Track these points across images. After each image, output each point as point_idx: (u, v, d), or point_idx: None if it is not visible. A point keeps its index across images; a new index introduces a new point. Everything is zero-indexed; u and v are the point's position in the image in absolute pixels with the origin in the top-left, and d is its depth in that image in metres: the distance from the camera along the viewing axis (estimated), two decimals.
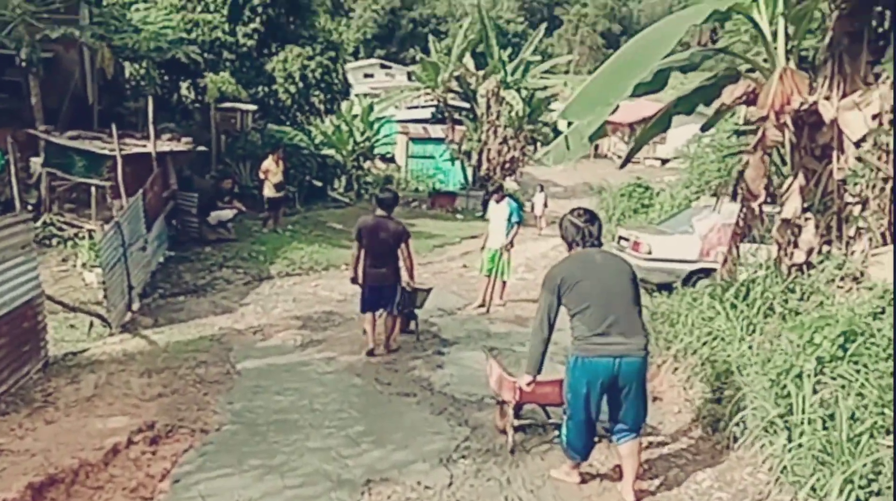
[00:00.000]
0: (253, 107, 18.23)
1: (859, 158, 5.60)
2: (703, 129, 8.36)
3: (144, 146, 12.85)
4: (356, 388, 6.71)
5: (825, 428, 3.96)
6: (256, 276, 11.98)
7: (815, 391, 4.23)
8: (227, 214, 13.95)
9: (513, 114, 25.33)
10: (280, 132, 18.22)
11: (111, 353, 7.96)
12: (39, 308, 7.29)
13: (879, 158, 5.50)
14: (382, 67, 58.10)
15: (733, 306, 6.23)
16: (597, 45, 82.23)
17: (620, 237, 11.83)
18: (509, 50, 28.41)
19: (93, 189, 12.30)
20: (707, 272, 10.47)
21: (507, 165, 25.44)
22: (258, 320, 9.57)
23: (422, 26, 77.36)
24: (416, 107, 33.69)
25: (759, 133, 5.83)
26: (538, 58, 27.90)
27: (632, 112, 46.02)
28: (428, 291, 9.05)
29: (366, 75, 54.68)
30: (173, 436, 5.39)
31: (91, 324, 8.86)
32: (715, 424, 5.40)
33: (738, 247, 6.91)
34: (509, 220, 10.12)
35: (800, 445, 4.13)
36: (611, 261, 4.37)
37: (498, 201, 10.26)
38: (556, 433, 5.35)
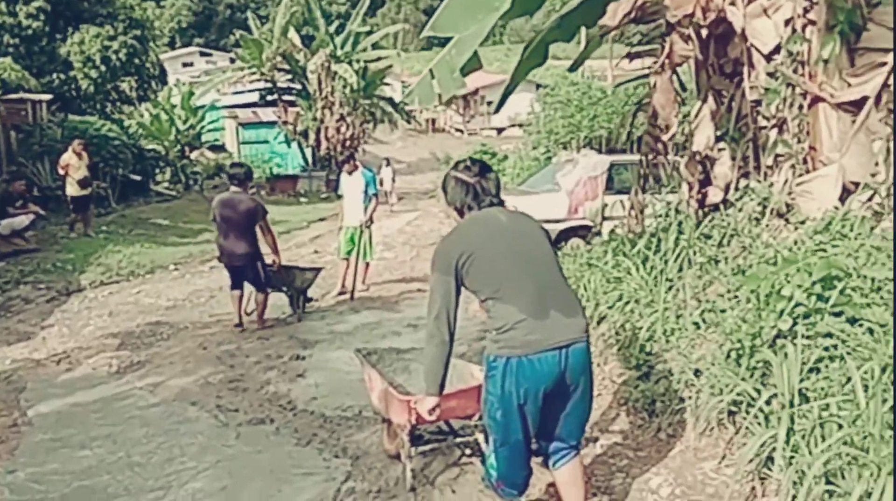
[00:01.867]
0: (47, 96, 15.39)
1: (771, 74, 4.65)
2: (572, 68, 7.27)
3: None
4: (190, 423, 5.02)
5: (840, 408, 2.88)
6: (63, 290, 9.73)
7: (804, 361, 3.15)
8: (22, 221, 11.43)
9: (346, 89, 23.72)
10: (84, 123, 15.53)
11: None
12: None
13: (795, 71, 4.57)
14: (202, 54, 54.06)
15: (644, 262, 5.16)
16: (421, 22, 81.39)
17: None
18: (336, 23, 26.66)
19: None
20: (578, 230, 9.60)
21: (348, 143, 23.80)
22: (63, 344, 7.52)
23: (240, 11, 72.89)
24: (242, 91, 31.19)
25: (666, 49, 4.72)
26: (367, 28, 26.33)
27: (471, 81, 46.04)
28: (316, 271, 8.04)
29: (185, 64, 50.62)
30: None
31: None
32: (650, 406, 4.28)
33: (641, 193, 5.84)
34: (366, 192, 8.68)
35: (792, 430, 3.06)
36: (520, 219, 3.06)
37: (350, 173, 8.78)
38: (463, 450, 4.04)
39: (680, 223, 5.09)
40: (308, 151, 25.53)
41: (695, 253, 4.89)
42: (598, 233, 9.01)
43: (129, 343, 7.31)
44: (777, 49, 4.63)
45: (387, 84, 29.15)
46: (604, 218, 9.59)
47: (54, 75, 16.21)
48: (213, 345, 6.90)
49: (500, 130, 41.05)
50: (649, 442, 4.07)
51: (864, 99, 4.49)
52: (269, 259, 7.56)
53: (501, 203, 3.04)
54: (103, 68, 16.71)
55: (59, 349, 7.34)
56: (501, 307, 2.84)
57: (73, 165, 12.03)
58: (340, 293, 8.88)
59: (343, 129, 24.12)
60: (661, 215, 5.68)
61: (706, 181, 5.10)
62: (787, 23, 4.60)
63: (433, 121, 45.43)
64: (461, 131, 43.03)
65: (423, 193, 23.20)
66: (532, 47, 5.42)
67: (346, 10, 76.14)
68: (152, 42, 19.92)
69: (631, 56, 5.96)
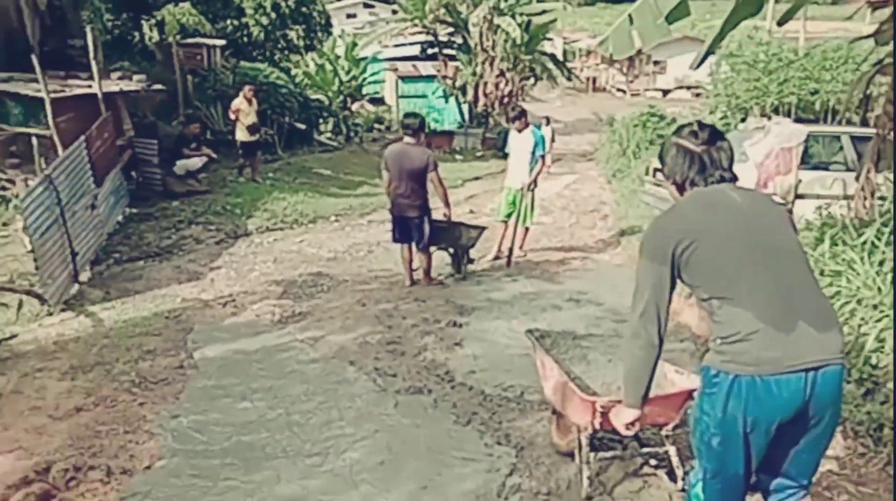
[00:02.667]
0: (221, 42, 15.99)
1: None
2: (780, 23, 6.36)
3: (90, 87, 10.80)
4: (349, 384, 4.90)
5: None
6: (231, 233, 10.10)
7: None
8: (196, 162, 11.97)
9: (508, 43, 23.03)
10: (254, 70, 16.03)
11: (40, 340, 6.16)
12: None
13: None
14: (366, 6, 54.80)
15: (870, 255, 4.40)
16: None
17: (656, 170, 9.94)
18: None
19: (33, 139, 10.33)
20: None
21: (506, 100, 23.22)
22: (230, 287, 7.76)
23: None
24: (403, 44, 31.25)
25: None
26: None
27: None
28: (480, 230, 7.81)
29: (348, 15, 51.56)
30: (77, 486, 3.59)
31: (20, 303, 7.03)
32: (875, 432, 3.62)
33: (874, 172, 4.99)
34: (533, 153, 8.22)
35: None
36: (758, 200, 2.51)
37: (520, 130, 8.30)
38: (647, 460, 3.59)
39: None
40: (465, 108, 25.21)
41: None
42: (790, 212, 8.06)
43: (291, 292, 7.40)
44: None
45: (549, 39, 28.15)
46: (797, 196, 8.60)
47: (228, 21, 16.79)
48: (372, 303, 6.81)
49: (665, 92, 38.92)
50: (875, 477, 3.44)
51: None
52: (437, 214, 7.36)
53: (734, 178, 2.51)
54: (273, 15, 17.14)
55: (226, 291, 7.57)
56: (731, 311, 2.34)
57: (244, 110, 12.39)
58: (496, 258, 8.58)
59: (502, 85, 23.50)
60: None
61: None
62: None
63: (594, 80, 43.73)
64: (623, 91, 41.19)
65: (581, 155, 22.33)
66: None
67: None
68: None
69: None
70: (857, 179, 5.03)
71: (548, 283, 7.68)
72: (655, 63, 40.48)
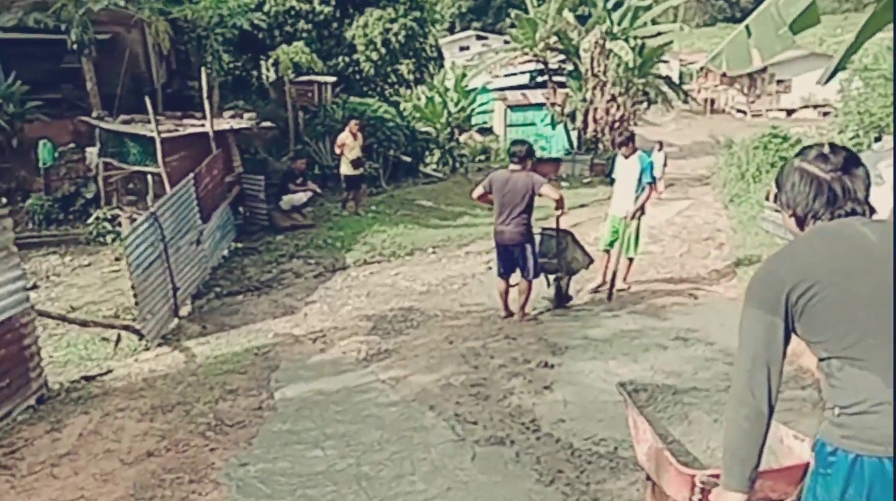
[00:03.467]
0: (331, 79, 16.38)
1: None
2: None
3: (202, 126, 11.18)
4: (426, 432, 4.55)
5: None
6: (330, 266, 10.07)
7: None
8: (301, 197, 12.14)
9: (620, 67, 22.37)
10: (363, 105, 16.27)
11: (132, 377, 6.22)
12: (26, 328, 5.57)
13: None
14: (478, 38, 55.35)
15: None
16: None
17: (777, 196, 9.09)
18: (613, 1, 25.30)
19: (149, 178, 10.77)
20: None
21: (616, 125, 22.50)
22: (322, 322, 7.65)
23: None
24: (513, 73, 31.19)
25: None
26: (647, 2, 24.64)
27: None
28: (590, 259, 7.65)
29: (461, 48, 52.23)
30: None
31: (118, 338, 7.18)
32: None
33: None
34: (640, 180, 7.66)
35: None
36: None
37: (627, 156, 7.76)
38: None
39: None
40: (574, 134, 24.69)
41: None
42: None
43: (380, 328, 7.18)
44: None
45: (664, 62, 27.23)
46: None
47: (339, 58, 17.21)
48: (460, 340, 6.46)
49: (789, 112, 36.71)
50: None
51: None
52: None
53: (870, 212, 1.99)
54: (383, 51, 17.40)
55: (318, 326, 7.45)
56: (856, 375, 1.82)
57: (349, 144, 12.49)
58: (596, 289, 8.04)
59: (613, 110, 22.85)
60: None
61: None
62: None
63: (712, 101, 41.94)
64: (744, 112, 39.21)
65: (696, 179, 21.21)
66: (885, 3, 4.04)
67: None
68: (431, 25, 20.36)
69: None
70: None
71: (652, 319, 7.05)
72: (779, 82, 38.34)
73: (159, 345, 7.26)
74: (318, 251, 10.61)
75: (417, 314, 7.57)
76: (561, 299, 7.48)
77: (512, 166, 6.71)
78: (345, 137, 12.58)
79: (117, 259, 9.99)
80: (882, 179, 8.00)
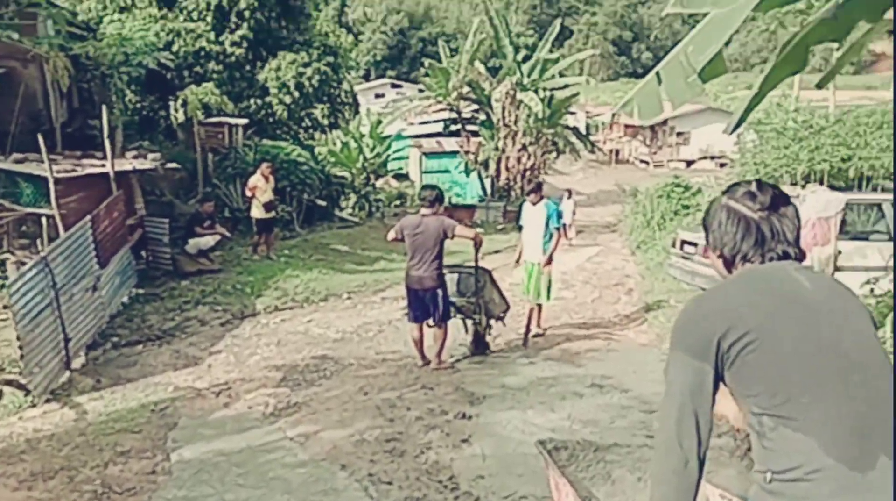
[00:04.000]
0: (243, 121, 15.94)
1: None
2: (819, 85, 5.77)
3: (102, 166, 10.57)
4: (337, 495, 4.20)
5: None
6: (238, 313, 9.58)
7: None
8: (208, 241, 11.59)
9: (531, 118, 22.92)
10: (276, 148, 15.89)
11: (13, 438, 5.60)
12: None
13: None
14: (393, 86, 55.91)
15: None
16: (608, 52, 79.74)
17: (684, 242, 9.31)
18: (523, 53, 26.03)
19: (43, 220, 10.03)
20: None
21: (528, 173, 22.96)
22: (227, 373, 7.19)
23: (432, 45, 75.45)
24: (428, 121, 31.55)
25: None
26: (555, 55, 25.46)
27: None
28: (507, 306, 7.57)
29: (377, 95, 52.55)
30: None
31: (0, 394, 6.51)
32: None
33: None
34: (547, 225, 7.73)
35: None
36: (835, 290, 1.85)
37: (535, 203, 7.90)
38: None
39: None
40: (487, 182, 25.04)
41: None
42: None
43: (290, 378, 6.81)
44: None
45: (572, 113, 28.12)
46: (836, 268, 7.87)
47: (252, 100, 16.83)
48: (375, 391, 6.16)
49: (689, 163, 38.48)
50: None
51: None
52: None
53: (800, 256, 1.88)
54: (297, 94, 17.12)
55: (222, 378, 7.00)
56: (790, 436, 1.67)
57: (260, 187, 12.10)
58: (536, 335, 8.20)
59: (524, 159, 23.35)
60: None
61: None
62: None
63: (617, 152, 43.61)
64: (647, 163, 40.86)
65: (604, 226, 21.78)
66: (788, 50, 4.14)
67: (533, 41, 76.42)
68: (345, 70, 20.26)
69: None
70: None
71: (568, 365, 6.97)
72: (679, 134, 40.27)
73: (47, 401, 6.61)
74: (226, 297, 10.09)
75: (331, 362, 7.23)
76: (479, 346, 7.33)
77: (423, 211, 6.67)
78: (256, 179, 12.19)
79: (5, 307, 9.18)
80: None
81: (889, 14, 3.88)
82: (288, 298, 10.26)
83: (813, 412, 1.66)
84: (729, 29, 3.74)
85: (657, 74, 4.19)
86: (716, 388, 1.79)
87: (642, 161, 41.70)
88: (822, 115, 12.54)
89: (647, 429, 5.21)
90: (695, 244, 8.95)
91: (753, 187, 1.94)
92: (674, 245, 9.82)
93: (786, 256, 1.86)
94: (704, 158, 37.95)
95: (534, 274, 7.95)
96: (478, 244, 6.78)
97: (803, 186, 9.84)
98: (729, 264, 1.92)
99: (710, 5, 3.42)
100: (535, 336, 8.09)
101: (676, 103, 4.23)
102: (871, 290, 5.18)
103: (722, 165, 31.46)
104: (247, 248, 12.69)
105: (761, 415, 1.73)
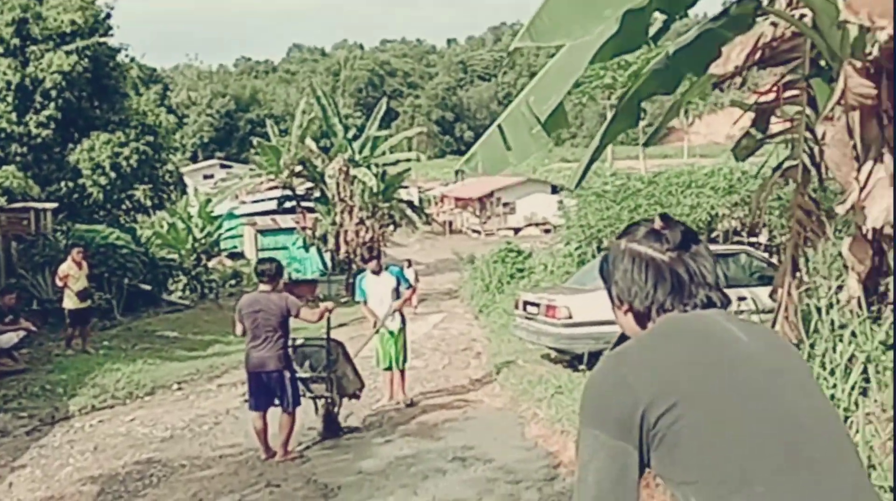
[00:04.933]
0: (52, 205, 14.33)
1: None
2: (647, 143, 5.92)
3: None
4: None
5: None
6: (48, 418, 8.16)
7: None
8: (10, 338, 10.00)
9: (365, 193, 22.83)
10: (91, 232, 14.36)
11: None
12: None
13: None
14: (222, 166, 54.06)
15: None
16: (433, 132, 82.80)
17: (527, 303, 9.22)
18: (353, 131, 26.10)
19: None
20: None
21: (367, 246, 22.60)
22: (33, 492, 5.95)
23: (260, 126, 74.49)
24: (261, 200, 30.62)
25: (839, 87, 3.30)
26: (385, 132, 25.73)
27: (480, 186, 45.34)
28: (362, 383, 7.17)
29: (206, 176, 50.55)
30: None
31: None
32: None
33: (794, 287, 4.21)
34: (397, 291, 7.49)
35: None
36: (774, 343, 1.52)
37: (376, 272, 7.55)
38: None
39: (852, 330, 3.54)
40: (327, 256, 24.46)
41: (879, 370, 3.33)
42: None
43: (109, 491, 5.73)
44: None
45: (405, 187, 28.43)
46: None
47: (62, 183, 15.25)
48: (211, 496, 5.29)
49: (517, 230, 40.03)
50: None
51: None
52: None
53: (726, 302, 1.54)
54: (113, 175, 15.74)
55: (26, 499, 5.76)
56: None
57: (73, 275, 10.75)
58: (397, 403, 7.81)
59: (362, 232, 23.03)
60: (817, 318, 4.11)
61: (878, 268, 3.61)
62: None
63: (450, 223, 44.65)
64: (478, 232, 42.09)
65: (445, 293, 21.81)
66: (622, 105, 4.08)
67: (361, 122, 77.79)
68: (168, 151, 19.07)
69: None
70: (771, 296, 4.35)
71: (427, 440, 6.46)
72: (505, 204, 42.00)
73: None
74: (33, 401, 8.62)
75: (158, 467, 6.20)
76: (331, 428, 6.65)
77: (262, 287, 6.13)
78: (67, 267, 10.83)
79: None
80: None
81: (711, 68, 3.92)
82: (107, 395, 8.94)
83: (768, 496, 1.28)
84: (570, 77, 3.60)
85: (499, 127, 3.97)
86: (641, 474, 1.37)
87: (474, 231, 42.89)
88: (637, 177, 13.32)
89: None
90: (537, 305, 8.89)
91: (657, 224, 1.59)
92: (516, 307, 9.75)
93: (710, 303, 1.50)
94: (530, 225, 39.69)
95: (389, 342, 7.65)
96: (320, 315, 6.36)
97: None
98: (643, 319, 1.52)
99: (563, 37, 3.22)
100: (408, 406, 7.69)
101: (522, 156, 4.02)
102: None
103: (546, 231, 32.97)
104: (59, 342, 11.15)
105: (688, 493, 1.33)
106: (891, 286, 3.48)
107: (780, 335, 1.61)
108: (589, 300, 8.47)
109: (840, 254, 3.88)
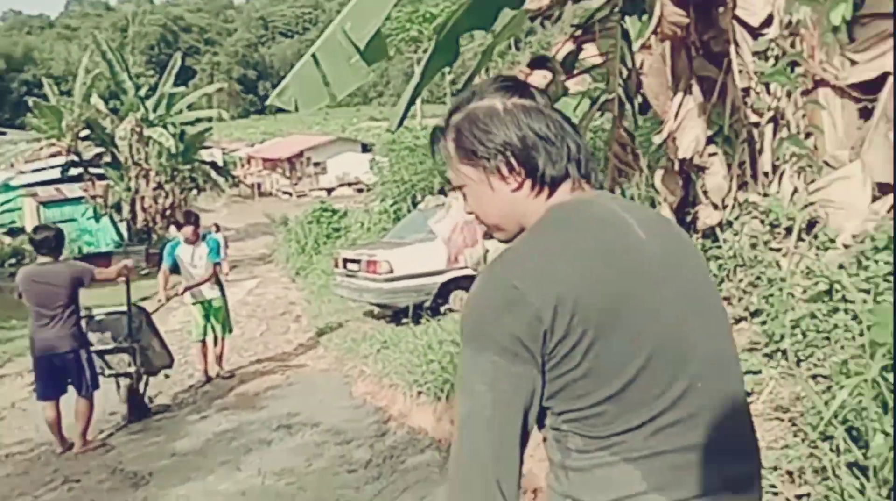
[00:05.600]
0: None
1: (760, 52, 3.43)
2: (465, 87, 5.78)
3: None
4: None
5: None
6: None
7: None
8: None
9: (163, 155, 21.07)
10: None
11: None
12: None
13: (792, 45, 3.38)
14: None
15: None
16: (235, 90, 78.50)
17: (347, 260, 8.93)
18: (146, 89, 23.85)
19: None
20: (461, 281, 8.11)
21: (168, 213, 20.95)
22: None
23: (37, 87, 66.33)
24: (43, 168, 27.22)
25: (656, 17, 3.28)
26: (181, 89, 23.81)
27: (289, 146, 43.98)
28: (172, 358, 6.51)
29: None
30: None
31: None
32: None
33: None
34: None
35: None
36: (668, 229, 1.24)
37: (192, 241, 6.93)
38: None
39: None
40: (123, 226, 22.34)
41: None
42: None
43: None
44: (769, 21, 3.42)
45: (207, 148, 26.64)
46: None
47: None
48: None
49: (329, 191, 39.27)
50: None
51: (877, 79, 3.36)
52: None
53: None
54: None
55: None
56: (613, 462, 1.12)
57: None
58: (207, 381, 7.10)
59: (161, 198, 21.26)
60: None
61: (686, 198, 3.76)
62: None
63: (259, 185, 42.74)
64: (289, 194, 40.74)
65: (258, 258, 20.85)
66: (440, 41, 3.86)
67: (154, 81, 71.77)
68: None
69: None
70: None
71: (248, 411, 6.03)
72: (316, 164, 40.93)
73: None
74: None
75: None
76: (136, 410, 5.97)
77: (41, 259, 5.35)
78: None
79: None
80: (434, 234, 8.37)
81: (529, 3, 3.82)
82: None
83: (648, 372, 1.08)
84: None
85: (314, 56, 3.59)
86: (540, 399, 1.10)
87: (285, 192, 41.46)
88: None
89: (349, 463, 4.59)
90: (357, 261, 8.63)
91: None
92: (336, 265, 9.43)
93: (585, 178, 1.20)
94: (343, 184, 39.08)
95: (211, 312, 7.10)
96: (126, 277, 5.72)
97: (446, 195, 10.19)
98: (544, 189, 1.18)
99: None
100: (225, 378, 7.14)
101: (341, 90, 3.67)
102: None
103: (359, 190, 32.61)
104: None
105: (596, 442, 1.12)
106: (700, 215, 3.62)
107: (672, 223, 1.40)
108: (409, 253, 8.38)
109: (653, 186, 3.99)
